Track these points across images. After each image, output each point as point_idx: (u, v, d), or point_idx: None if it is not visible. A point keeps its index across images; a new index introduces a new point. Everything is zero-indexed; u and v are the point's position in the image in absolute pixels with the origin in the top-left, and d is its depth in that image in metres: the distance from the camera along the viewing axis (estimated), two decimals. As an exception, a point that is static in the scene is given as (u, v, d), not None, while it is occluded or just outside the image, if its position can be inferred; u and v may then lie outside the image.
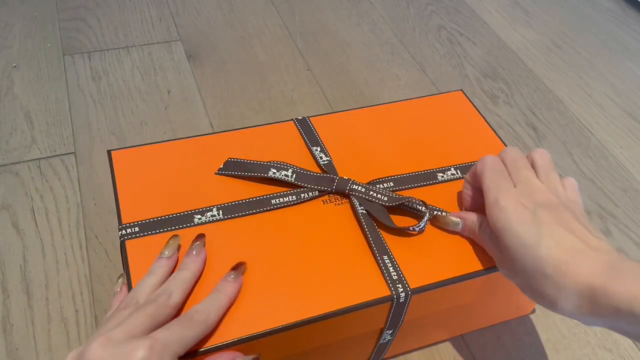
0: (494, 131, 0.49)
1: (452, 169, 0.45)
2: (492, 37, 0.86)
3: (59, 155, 0.61)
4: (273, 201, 0.41)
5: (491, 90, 0.76)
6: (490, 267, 0.38)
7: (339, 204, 0.42)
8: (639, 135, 0.72)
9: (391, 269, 0.37)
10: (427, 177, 0.44)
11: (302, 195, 0.42)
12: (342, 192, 0.42)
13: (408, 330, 0.42)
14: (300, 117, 0.48)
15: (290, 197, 0.42)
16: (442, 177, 0.45)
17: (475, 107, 0.52)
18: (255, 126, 0.47)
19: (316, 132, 0.47)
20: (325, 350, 0.41)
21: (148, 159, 0.44)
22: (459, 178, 0.45)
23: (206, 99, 0.70)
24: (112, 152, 0.44)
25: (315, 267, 0.38)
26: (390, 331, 0.40)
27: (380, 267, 0.37)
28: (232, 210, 0.40)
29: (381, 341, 0.41)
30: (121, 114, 0.67)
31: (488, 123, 0.50)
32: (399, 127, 0.49)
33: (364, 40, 0.83)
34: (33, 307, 0.48)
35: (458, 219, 0.40)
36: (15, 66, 0.72)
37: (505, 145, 0.48)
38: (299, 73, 0.75)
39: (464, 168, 0.46)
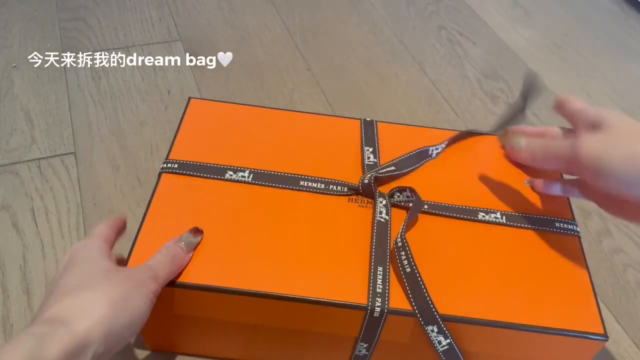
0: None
1: (498, 213, 0.43)
2: (492, 37, 0.86)
3: (59, 155, 0.61)
4: (301, 182, 0.43)
5: (491, 90, 0.76)
6: (486, 319, 0.36)
7: (362, 206, 0.42)
8: (639, 135, 0.72)
9: (379, 281, 0.37)
10: (467, 212, 0.42)
11: (331, 186, 0.43)
12: (369, 193, 0.42)
13: (396, 355, 0.41)
14: (368, 119, 0.50)
15: (319, 184, 0.43)
16: (483, 217, 0.42)
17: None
18: (324, 115, 0.51)
19: (377, 135, 0.48)
20: (301, 346, 0.42)
21: (219, 114, 0.49)
22: (501, 224, 0.42)
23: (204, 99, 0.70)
24: (191, 100, 0.50)
25: (311, 253, 0.38)
26: (366, 345, 0.39)
27: (369, 276, 0.37)
28: (261, 178, 0.43)
29: (356, 352, 0.41)
30: (121, 114, 0.67)
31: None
32: (465, 157, 0.47)
33: (364, 40, 0.83)
34: (33, 307, 0.48)
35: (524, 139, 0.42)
36: (15, 66, 0.72)
37: (573, 216, 0.44)
38: (299, 73, 0.75)
39: (511, 216, 0.43)
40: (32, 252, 0.52)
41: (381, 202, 0.41)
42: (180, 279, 0.36)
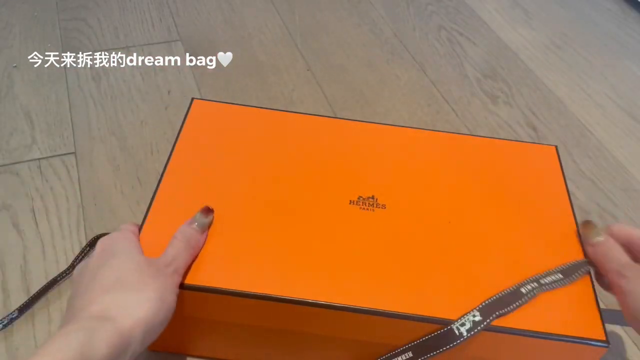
0: (572, 210, 0.44)
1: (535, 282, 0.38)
2: (492, 37, 0.86)
3: (59, 155, 0.61)
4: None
5: (491, 90, 0.76)
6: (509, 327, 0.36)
7: (364, 208, 0.42)
8: (639, 135, 0.72)
9: None
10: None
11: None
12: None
13: None
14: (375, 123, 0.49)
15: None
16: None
17: (562, 170, 0.47)
18: (331, 117, 0.50)
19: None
20: (304, 349, 0.42)
21: (222, 115, 0.48)
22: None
23: (206, 99, 0.70)
24: (194, 100, 0.50)
25: (314, 255, 0.39)
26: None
27: None
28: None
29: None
30: (121, 114, 0.67)
31: (569, 194, 0.45)
32: (471, 164, 0.47)
33: (364, 40, 0.83)
34: (33, 307, 0.48)
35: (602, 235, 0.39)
36: (15, 66, 0.72)
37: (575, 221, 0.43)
38: (299, 73, 0.75)
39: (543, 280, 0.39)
40: (32, 252, 0.52)
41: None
42: (183, 281, 0.36)
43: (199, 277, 0.37)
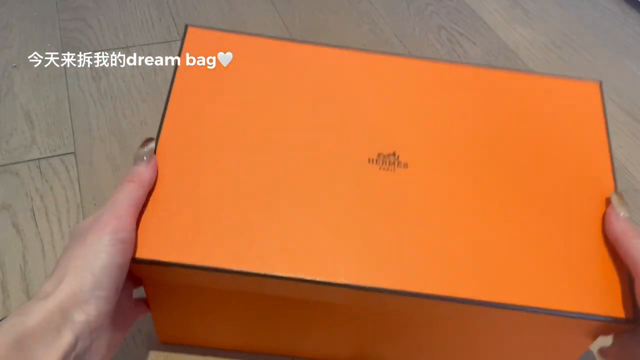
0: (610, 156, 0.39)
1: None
2: (492, 37, 0.86)
3: (59, 155, 0.61)
4: None
5: (491, 90, 0.76)
6: (515, 304, 0.32)
7: (384, 168, 0.36)
8: (639, 135, 0.72)
9: None
10: None
11: None
12: None
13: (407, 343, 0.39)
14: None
15: None
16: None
17: (604, 111, 0.41)
18: (369, 51, 0.45)
19: None
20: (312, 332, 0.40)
21: (224, 48, 0.42)
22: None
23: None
24: (189, 27, 0.42)
25: (340, 226, 0.35)
26: None
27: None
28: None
29: None
30: (121, 114, 0.67)
31: (609, 142, 0.39)
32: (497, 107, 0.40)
33: (364, 40, 0.83)
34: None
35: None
36: (15, 66, 0.72)
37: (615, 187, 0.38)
38: (299, 73, 0.75)
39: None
40: (32, 252, 0.52)
41: None
42: (200, 262, 0.33)
43: (206, 257, 0.33)
